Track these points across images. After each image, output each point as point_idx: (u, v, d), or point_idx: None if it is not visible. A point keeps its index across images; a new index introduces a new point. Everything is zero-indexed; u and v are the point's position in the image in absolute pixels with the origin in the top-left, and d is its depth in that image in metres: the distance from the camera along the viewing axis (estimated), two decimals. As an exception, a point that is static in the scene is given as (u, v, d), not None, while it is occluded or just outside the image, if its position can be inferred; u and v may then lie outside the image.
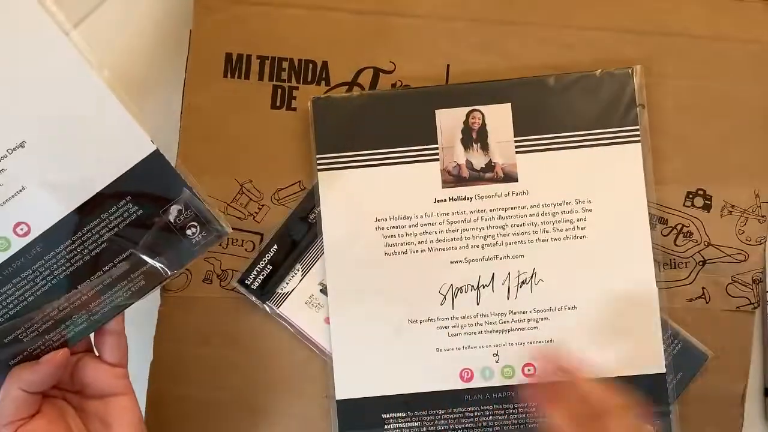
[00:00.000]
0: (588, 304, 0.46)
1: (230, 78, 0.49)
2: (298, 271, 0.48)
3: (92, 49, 0.39)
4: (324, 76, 0.49)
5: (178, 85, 0.50)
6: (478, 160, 0.46)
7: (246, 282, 0.48)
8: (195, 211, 0.42)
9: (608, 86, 0.47)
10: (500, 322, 0.46)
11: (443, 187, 0.46)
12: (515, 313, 0.46)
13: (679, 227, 0.49)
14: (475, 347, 0.46)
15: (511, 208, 0.46)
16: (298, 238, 0.48)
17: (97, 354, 0.43)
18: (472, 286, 0.46)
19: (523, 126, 0.47)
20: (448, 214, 0.46)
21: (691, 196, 0.49)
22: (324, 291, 0.48)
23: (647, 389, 0.45)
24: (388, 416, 0.46)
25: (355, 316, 0.47)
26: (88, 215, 0.40)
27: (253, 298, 0.48)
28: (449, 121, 0.47)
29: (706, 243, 0.49)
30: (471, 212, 0.46)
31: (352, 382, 0.46)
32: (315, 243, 0.48)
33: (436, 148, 0.46)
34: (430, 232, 0.46)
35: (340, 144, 0.47)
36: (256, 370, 0.49)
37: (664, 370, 0.45)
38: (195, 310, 0.49)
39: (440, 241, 0.46)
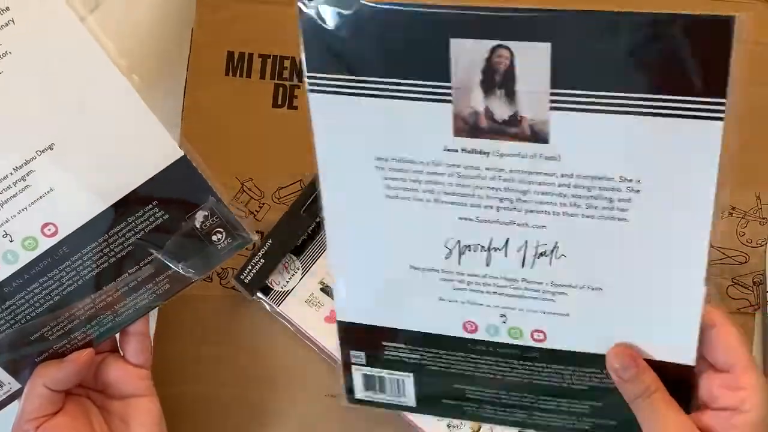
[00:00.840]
0: (617, 288, 0.40)
1: (232, 76, 0.49)
2: (299, 269, 0.48)
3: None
4: (325, 75, 0.49)
5: (180, 83, 0.50)
6: (501, 110, 0.37)
7: (241, 277, 0.48)
8: (221, 217, 0.42)
9: (693, 38, 0.35)
10: (511, 287, 0.41)
11: (455, 135, 0.37)
12: (529, 282, 0.40)
13: (679, 228, 0.49)
14: (481, 305, 0.41)
15: (537, 173, 0.37)
16: (290, 231, 0.48)
17: (121, 354, 0.44)
18: (483, 247, 0.40)
19: (564, 75, 0.35)
20: (459, 166, 0.38)
21: (691, 197, 0.49)
22: (324, 290, 0.48)
23: (671, 379, 0.40)
24: (387, 344, 0.44)
25: (352, 248, 0.42)
26: (114, 218, 0.40)
27: (245, 292, 0.48)
28: (468, 55, 0.35)
29: (706, 244, 0.49)
30: (487, 169, 0.38)
31: (350, 309, 0.43)
32: (314, 240, 0.48)
33: (449, 87, 0.36)
34: (437, 182, 0.39)
35: (335, 65, 0.37)
36: (256, 368, 0.49)
37: (693, 363, 0.39)
38: (195, 308, 0.49)
39: (448, 194, 0.39)
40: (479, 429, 0.49)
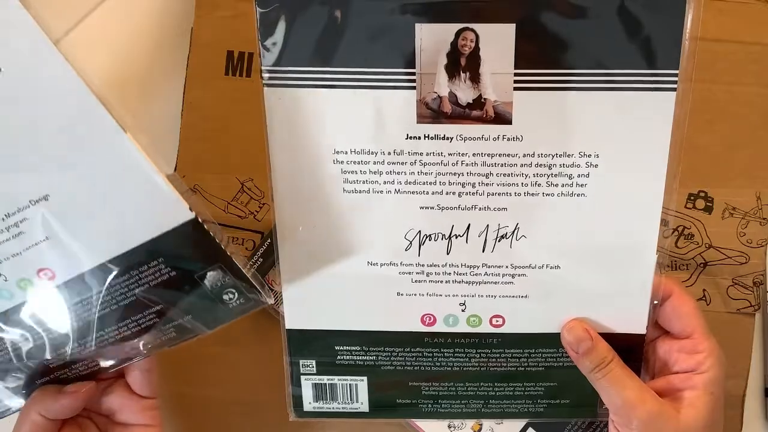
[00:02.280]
0: (574, 265, 0.40)
1: (231, 76, 0.49)
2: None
3: (92, 51, 0.38)
4: (326, 74, 0.49)
5: (180, 83, 0.49)
6: (465, 94, 0.37)
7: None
8: (232, 280, 0.40)
9: (647, 12, 0.35)
10: (471, 273, 0.41)
11: (418, 122, 0.37)
12: (489, 267, 0.40)
13: (680, 229, 0.49)
14: (441, 295, 0.41)
15: (499, 155, 0.38)
16: None
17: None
18: (443, 235, 0.40)
19: (526, 55, 0.36)
20: (421, 154, 0.38)
21: (692, 198, 0.49)
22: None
23: (623, 349, 0.41)
24: (340, 348, 0.43)
25: (305, 250, 0.41)
26: (116, 270, 0.39)
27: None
28: (432, 38, 0.36)
29: (707, 245, 0.49)
30: (450, 154, 0.38)
31: (302, 314, 0.42)
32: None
33: (413, 74, 0.36)
34: (398, 172, 0.38)
35: (293, 55, 0.37)
36: (256, 368, 0.49)
37: (644, 332, 0.41)
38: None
39: (410, 183, 0.38)
40: (480, 429, 0.49)
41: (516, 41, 0.36)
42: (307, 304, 0.42)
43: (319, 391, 0.44)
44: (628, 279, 0.40)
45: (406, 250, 0.40)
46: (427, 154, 0.38)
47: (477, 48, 0.36)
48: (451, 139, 0.38)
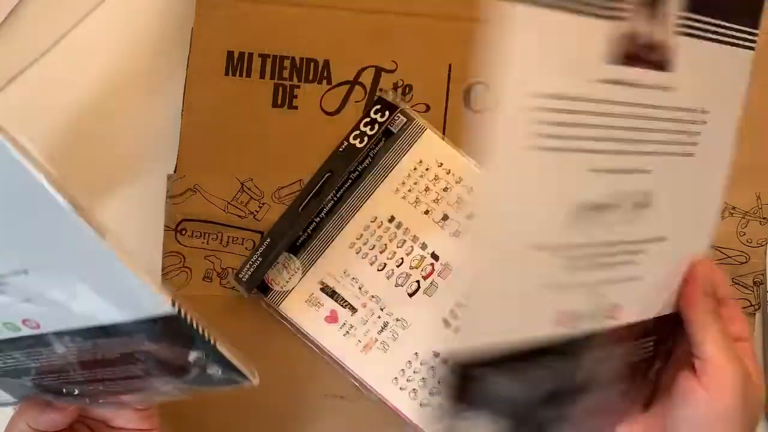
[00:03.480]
0: (676, 235, 0.34)
1: (231, 76, 0.49)
2: (298, 269, 0.48)
3: (91, 48, 0.36)
4: (325, 74, 0.49)
5: (179, 83, 0.50)
6: (657, 33, 0.30)
7: (239, 275, 0.48)
8: (215, 362, 0.38)
9: None
10: (609, 254, 0.33)
11: (608, 63, 0.29)
12: (627, 243, 0.33)
13: (680, 228, 0.49)
14: (584, 284, 0.32)
15: (660, 108, 0.32)
16: (287, 228, 0.48)
17: None
18: (606, 205, 0.31)
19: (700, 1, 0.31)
20: (606, 102, 0.30)
21: (692, 197, 0.49)
22: (324, 290, 0.48)
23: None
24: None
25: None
26: (97, 334, 0.37)
27: (242, 290, 0.48)
28: None
29: (706, 245, 0.49)
30: (626, 105, 0.30)
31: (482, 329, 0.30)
32: (314, 240, 0.48)
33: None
34: (580, 124, 0.29)
35: None
36: (256, 368, 0.49)
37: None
38: (195, 308, 0.49)
39: (587, 139, 0.30)
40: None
41: None
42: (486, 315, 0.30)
43: None
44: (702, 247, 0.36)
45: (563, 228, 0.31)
46: (611, 104, 0.30)
47: None
48: (632, 85, 0.30)
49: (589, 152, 0.30)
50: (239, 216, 0.49)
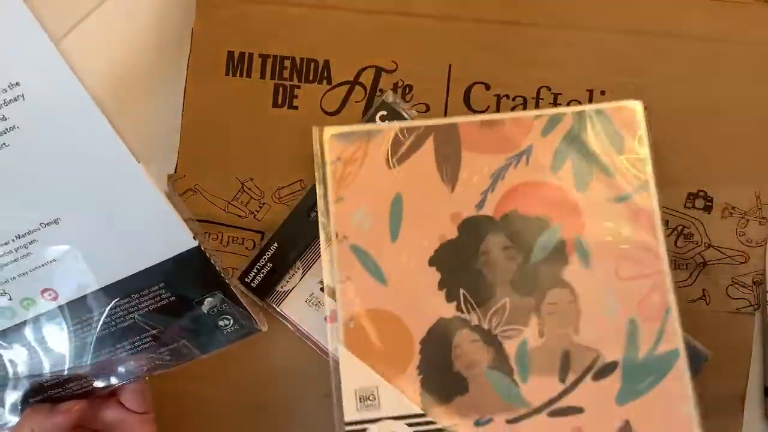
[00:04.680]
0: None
1: (232, 76, 0.49)
2: (299, 269, 0.48)
3: (92, 53, 0.38)
4: (326, 75, 0.49)
5: (180, 83, 0.50)
6: None
7: (246, 280, 0.48)
8: (229, 306, 0.41)
9: None
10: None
11: None
12: None
13: (679, 229, 0.49)
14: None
15: None
16: (298, 237, 0.48)
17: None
18: None
19: None
20: None
21: (691, 197, 0.49)
22: (324, 289, 0.48)
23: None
24: None
25: None
26: (118, 293, 0.40)
27: (254, 297, 0.48)
28: None
29: (706, 244, 0.49)
30: None
31: None
32: (315, 241, 0.48)
33: None
34: None
35: None
36: (256, 368, 0.49)
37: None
38: (195, 308, 0.49)
39: None
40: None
41: None
42: None
43: None
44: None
45: None
46: None
47: None
48: None
49: None
50: (239, 216, 0.49)
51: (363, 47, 0.49)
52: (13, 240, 0.38)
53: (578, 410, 0.44)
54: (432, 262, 0.46)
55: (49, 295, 0.39)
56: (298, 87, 0.49)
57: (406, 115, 0.49)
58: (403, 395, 0.44)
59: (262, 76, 0.49)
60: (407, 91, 0.50)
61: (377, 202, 0.46)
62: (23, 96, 0.36)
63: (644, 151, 0.46)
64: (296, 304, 0.48)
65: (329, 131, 0.47)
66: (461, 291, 0.45)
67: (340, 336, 0.45)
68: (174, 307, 0.40)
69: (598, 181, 0.46)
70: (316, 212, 0.48)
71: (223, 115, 0.49)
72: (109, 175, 0.37)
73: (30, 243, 0.38)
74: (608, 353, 0.45)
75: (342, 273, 0.45)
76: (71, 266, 0.39)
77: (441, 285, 0.46)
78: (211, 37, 0.49)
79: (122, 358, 0.41)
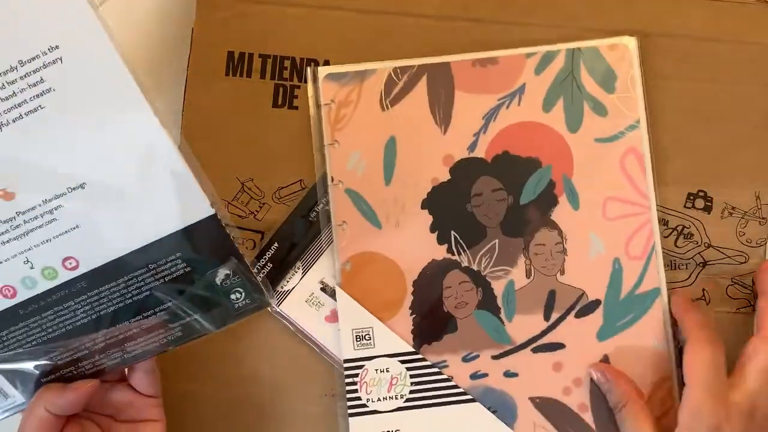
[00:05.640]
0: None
1: (232, 76, 0.49)
2: (299, 269, 0.48)
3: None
4: (326, 75, 0.49)
5: (180, 83, 0.50)
6: None
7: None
8: (242, 277, 0.42)
9: None
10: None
11: None
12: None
13: (679, 228, 0.49)
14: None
15: None
16: (298, 237, 0.48)
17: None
18: None
19: None
20: None
21: (691, 197, 0.49)
22: (324, 289, 0.48)
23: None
24: None
25: None
26: (136, 263, 0.40)
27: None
28: None
29: (706, 244, 0.49)
30: None
31: None
32: (315, 241, 0.48)
33: None
34: None
35: None
36: (256, 368, 0.49)
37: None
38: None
39: None
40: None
41: None
42: None
43: None
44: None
45: None
46: None
47: None
48: None
49: None
50: (239, 216, 0.49)
51: (363, 47, 0.49)
52: (40, 204, 0.38)
53: (560, 346, 0.47)
54: (424, 205, 0.47)
55: (70, 264, 0.40)
56: (298, 87, 0.49)
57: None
58: (395, 335, 0.46)
59: (262, 76, 0.49)
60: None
61: (371, 145, 0.47)
62: (61, 59, 0.36)
63: (637, 90, 0.47)
64: (296, 304, 0.48)
65: (323, 71, 0.47)
66: (452, 233, 0.47)
67: (338, 278, 0.47)
68: (188, 278, 0.41)
69: (589, 120, 0.47)
70: (317, 212, 0.48)
71: (223, 114, 0.49)
72: (135, 141, 0.38)
73: (56, 208, 0.39)
74: (591, 292, 0.47)
75: (338, 217, 0.47)
76: (94, 233, 0.39)
77: (433, 228, 0.47)
78: (211, 38, 0.49)
79: (135, 334, 0.42)
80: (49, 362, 0.42)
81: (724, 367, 0.43)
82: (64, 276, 0.40)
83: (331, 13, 0.49)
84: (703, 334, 0.43)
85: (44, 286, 0.40)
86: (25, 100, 0.37)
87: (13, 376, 0.42)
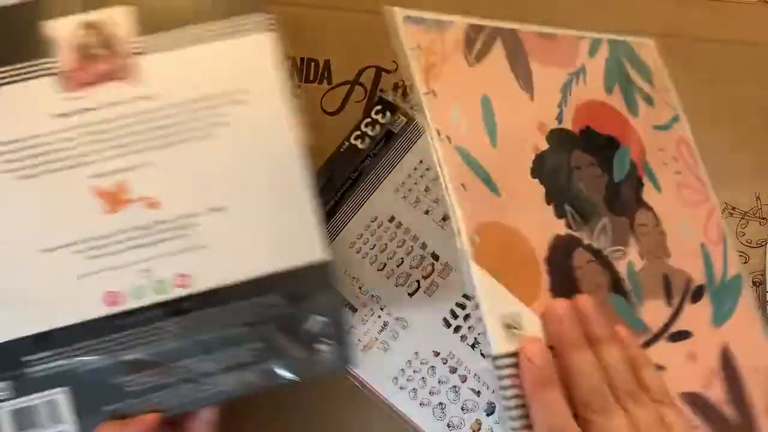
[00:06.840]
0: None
1: (232, 76, 0.49)
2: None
3: None
4: (326, 74, 0.49)
5: (180, 83, 0.50)
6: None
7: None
8: (336, 331, 0.40)
9: None
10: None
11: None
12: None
13: (679, 228, 0.49)
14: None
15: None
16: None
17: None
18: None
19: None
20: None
21: (691, 197, 0.49)
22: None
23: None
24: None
25: None
26: (240, 293, 0.39)
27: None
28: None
29: (706, 244, 0.49)
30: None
31: None
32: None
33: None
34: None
35: None
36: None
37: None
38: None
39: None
40: (479, 429, 0.49)
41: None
42: None
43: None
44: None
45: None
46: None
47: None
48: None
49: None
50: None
51: (363, 47, 0.49)
52: (176, 218, 0.39)
53: (688, 334, 0.41)
54: (534, 174, 0.40)
55: (183, 281, 0.40)
56: (299, 87, 0.49)
57: (408, 113, 0.49)
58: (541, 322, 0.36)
59: (263, 76, 0.49)
60: (407, 91, 0.50)
61: (468, 101, 0.39)
62: (247, 101, 0.40)
63: (670, 83, 0.46)
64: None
65: (400, 13, 0.39)
66: (566, 207, 0.40)
67: (469, 252, 0.35)
68: (284, 320, 0.40)
69: (644, 107, 0.45)
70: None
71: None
72: (279, 177, 0.40)
73: (191, 225, 0.39)
74: (695, 276, 0.42)
75: (454, 178, 0.36)
76: (217, 255, 0.40)
77: (548, 199, 0.40)
78: (212, 37, 0.49)
79: (215, 369, 0.40)
80: (116, 390, 0.39)
81: None
82: (172, 293, 0.39)
83: (331, 13, 0.49)
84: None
85: (150, 299, 0.39)
86: (202, 126, 0.40)
87: (78, 405, 0.39)
